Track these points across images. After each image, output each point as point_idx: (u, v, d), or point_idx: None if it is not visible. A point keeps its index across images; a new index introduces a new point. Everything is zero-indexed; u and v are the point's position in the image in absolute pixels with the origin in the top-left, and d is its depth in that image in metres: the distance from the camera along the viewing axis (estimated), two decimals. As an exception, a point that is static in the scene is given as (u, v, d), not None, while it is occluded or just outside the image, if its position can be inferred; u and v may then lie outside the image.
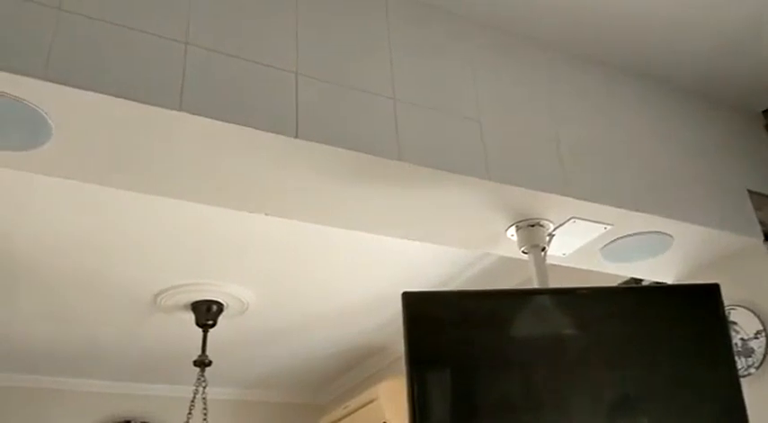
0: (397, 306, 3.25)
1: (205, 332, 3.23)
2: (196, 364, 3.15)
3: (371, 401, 3.50)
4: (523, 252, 1.79)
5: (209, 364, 3.16)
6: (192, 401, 3.12)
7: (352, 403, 3.60)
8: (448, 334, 1.57)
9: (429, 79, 1.64)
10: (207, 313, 3.21)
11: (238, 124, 1.34)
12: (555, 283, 1.74)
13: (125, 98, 1.26)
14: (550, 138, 1.76)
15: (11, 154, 1.37)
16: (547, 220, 1.76)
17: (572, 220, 1.77)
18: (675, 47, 1.92)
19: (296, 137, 1.40)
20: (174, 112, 1.30)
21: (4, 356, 3.45)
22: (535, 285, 1.72)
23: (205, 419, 3.16)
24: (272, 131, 1.38)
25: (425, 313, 1.56)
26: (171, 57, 1.34)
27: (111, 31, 1.30)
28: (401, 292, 3.13)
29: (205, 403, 3.17)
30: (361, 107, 1.51)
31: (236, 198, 1.57)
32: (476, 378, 1.55)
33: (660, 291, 1.82)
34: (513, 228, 1.78)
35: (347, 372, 4.05)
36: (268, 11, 1.50)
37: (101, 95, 1.24)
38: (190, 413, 3.10)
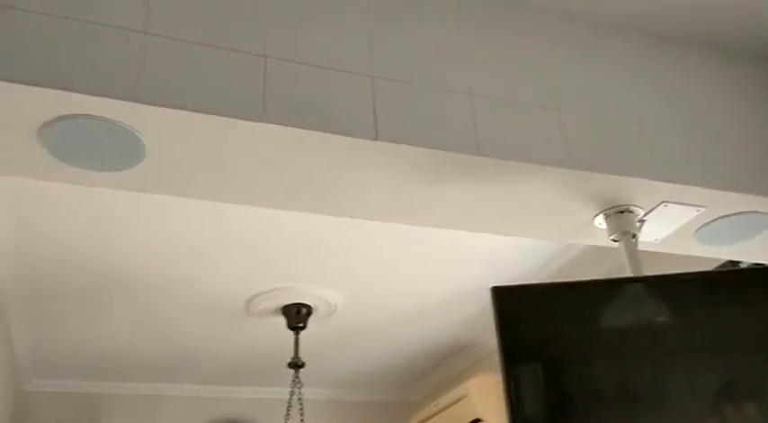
0: (484, 300, 3.28)
1: (296, 334, 3.31)
2: (290, 365, 3.23)
3: (462, 398, 3.49)
4: (613, 240, 1.74)
5: (303, 365, 3.24)
6: (289, 402, 3.21)
7: (443, 400, 3.60)
8: (539, 327, 1.56)
9: (504, 72, 1.63)
10: (297, 316, 3.29)
11: (318, 131, 1.37)
12: (646, 269, 1.69)
13: (210, 113, 1.31)
14: (633, 120, 1.71)
15: (108, 174, 1.45)
16: (636, 205, 1.71)
17: (663, 204, 1.71)
18: (753, 17, 1.83)
19: (375, 139, 1.41)
20: (257, 124, 1.34)
21: (109, 366, 3.65)
22: (628, 273, 1.67)
23: (302, 420, 3.24)
24: (352, 135, 1.40)
25: (516, 307, 1.54)
26: (252, 70, 1.38)
27: (195, 51, 1.36)
28: (487, 286, 3.13)
29: (301, 404, 3.25)
30: (439, 105, 1.51)
31: (320, 203, 1.60)
32: (569, 371, 1.53)
33: (763, 272, 1.74)
34: (601, 216, 1.73)
35: (436, 368, 4.05)
36: (341, 17, 1.52)
37: (188, 113, 1.30)
38: (288, 414, 3.19)
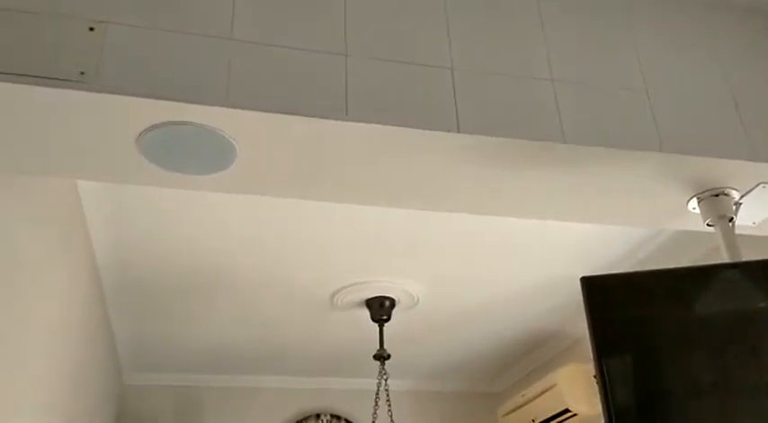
0: (570, 289, 3.22)
1: (381, 327, 3.35)
2: (376, 357, 3.27)
3: (551, 388, 3.45)
4: (708, 225, 1.68)
5: (389, 357, 3.27)
6: (377, 394, 3.25)
7: (530, 390, 3.57)
8: (632, 317, 1.52)
9: (587, 55, 1.59)
10: (380, 309, 3.33)
11: (401, 126, 1.38)
12: (744, 254, 1.62)
13: (298, 115, 1.34)
14: (726, 100, 1.64)
15: (201, 178, 1.51)
16: (732, 188, 1.64)
17: (761, 185, 1.63)
18: None
19: (458, 131, 1.41)
20: (342, 123, 1.36)
21: (206, 359, 3.80)
22: (725, 258, 1.61)
23: (389, 410, 3.28)
24: (435, 129, 1.40)
25: (607, 297, 1.51)
26: (334, 69, 1.41)
27: (278, 54, 1.39)
28: (571, 276, 3.09)
29: (388, 395, 3.29)
30: (521, 94, 1.50)
31: (407, 198, 1.61)
32: (663, 361, 1.49)
33: None
34: (695, 200, 1.67)
35: (522, 358, 4.01)
36: (418, 12, 1.53)
37: (276, 115, 1.33)
38: (376, 404, 3.23)
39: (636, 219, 1.78)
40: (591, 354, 3.40)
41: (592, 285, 1.50)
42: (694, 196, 1.66)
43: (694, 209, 1.70)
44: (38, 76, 1.23)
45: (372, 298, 3.32)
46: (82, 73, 1.26)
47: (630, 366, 1.48)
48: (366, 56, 1.44)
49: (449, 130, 1.41)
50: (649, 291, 1.52)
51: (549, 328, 3.68)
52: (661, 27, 1.69)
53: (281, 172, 1.49)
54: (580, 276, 1.52)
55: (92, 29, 1.30)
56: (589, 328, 1.48)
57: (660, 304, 1.52)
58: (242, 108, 1.32)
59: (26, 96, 1.25)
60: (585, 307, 1.49)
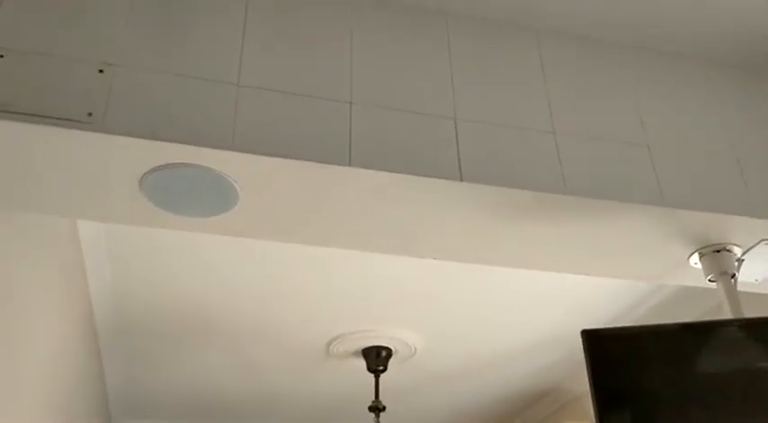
0: (571, 344, 3.19)
1: (377, 378, 3.29)
2: (371, 409, 3.21)
3: (549, 445, 3.37)
4: (710, 280, 1.67)
5: (384, 409, 3.21)
6: (371, 447, 3.18)
7: (529, 447, 3.49)
8: (632, 371, 1.49)
9: (589, 108, 1.61)
10: (377, 359, 3.28)
11: (404, 173, 1.39)
12: (746, 311, 1.61)
13: (301, 159, 1.35)
14: (728, 156, 1.65)
15: (203, 220, 1.50)
16: (734, 244, 1.64)
17: (763, 242, 1.63)
18: None
19: (461, 180, 1.42)
20: (345, 168, 1.37)
21: (197, 406, 3.73)
22: (728, 315, 1.59)
23: (383, 465, 3.20)
24: (438, 177, 1.41)
25: (607, 350, 1.49)
26: (339, 117, 1.42)
27: (285, 100, 1.41)
28: (570, 331, 3.06)
29: (382, 449, 3.21)
30: (523, 145, 1.51)
31: (405, 244, 1.61)
32: (663, 417, 1.46)
33: None
34: (697, 255, 1.67)
35: (521, 414, 3.94)
36: (423, 63, 1.55)
37: (281, 160, 1.34)
38: (369, 458, 3.16)
39: (637, 273, 1.77)
40: (591, 411, 3.34)
41: (593, 338, 1.49)
42: (696, 251, 1.66)
43: (696, 264, 1.69)
44: (46, 117, 1.24)
45: (369, 347, 3.27)
46: (90, 114, 1.27)
47: (629, 421, 1.45)
48: (371, 104, 1.46)
49: (452, 179, 1.41)
50: (652, 345, 1.50)
51: (548, 384, 3.62)
52: (663, 82, 1.71)
53: (283, 216, 1.49)
54: (581, 330, 1.50)
55: (101, 71, 1.32)
56: (590, 380, 1.45)
57: (660, 359, 1.49)
58: (247, 152, 1.32)
59: (33, 136, 1.26)
60: (586, 359, 1.47)
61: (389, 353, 3.29)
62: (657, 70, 1.73)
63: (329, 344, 3.22)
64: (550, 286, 2.75)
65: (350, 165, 1.37)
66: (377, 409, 3.21)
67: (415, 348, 3.26)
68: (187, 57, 1.39)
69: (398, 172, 1.39)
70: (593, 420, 3.53)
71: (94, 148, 1.29)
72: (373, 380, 3.30)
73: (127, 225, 1.49)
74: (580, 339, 3.08)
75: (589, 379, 1.45)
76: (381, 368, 3.28)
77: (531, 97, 1.58)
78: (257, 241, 2.43)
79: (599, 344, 1.48)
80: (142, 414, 3.77)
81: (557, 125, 1.56)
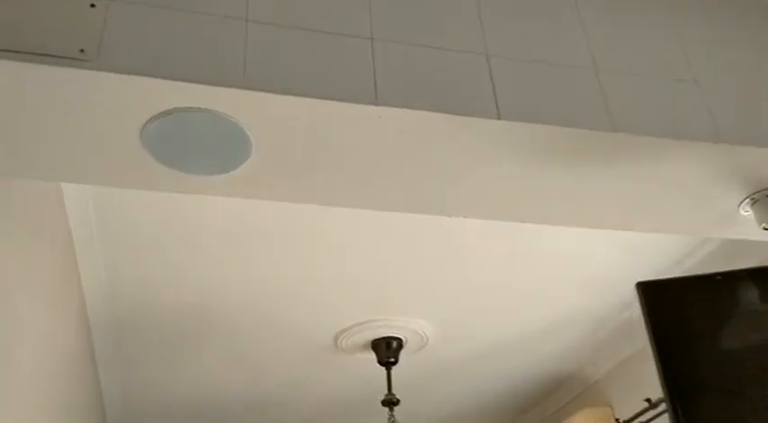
0: (587, 325, 3.04)
1: (388, 370, 3.14)
2: (384, 403, 3.05)
3: (570, 433, 3.24)
4: (765, 228, 1.53)
5: (398, 402, 3.05)
6: (390, 441, 3.02)
7: (549, 437, 3.35)
8: (694, 325, 1.36)
9: (629, 43, 1.48)
10: (387, 350, 3.12)
11: (435, 111, 1.24)
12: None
13: (321, 98, 1.20)
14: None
15: (212, 178, 1.35)
16: (791, 185, 1.51)
17: (823, 182, 1.50)
18: None
19: (498, 118, 1.27)
20: (371, 107, 1.22)
21: (198, 411, 3.54)
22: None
23: (401, 460, 3.04)
24: (473, 115, 1.26)
25: (668, 304, 1.35)
26: (360, 53, 1.27)
27: (300, 36, 1.26)
28: (589, 310, 2.91)
29: (400, 443, 3.05)
30: (563, 81, 1.37)
31: (432, 200, 1.46)
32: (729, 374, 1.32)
33: None
34: (748, 201, 1.53)
35: (537, 403, 3.79)
36: (447, -3, 1.41)
37: (295, 98, 1.19)
38: (389, 452, 3.00)
39: (684, 224, 1.64)
40: (611, 396, 3.20)
41: (649, 291, 1.35)
42: (748, 197, 1.53)
43: (747, 212, 1.56)
44: (32, 53, 1.08)
45: (378, 339, 3.11)
46: (81, 50, 1.11)
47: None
48: (394, 40, 1.31)
49: (488, 117, 1.27)
50: (714, 295, 1.37)
51: (566, 370, 3.48)
52: (713, 20, 1.58)
53: (301, 169, 1.33)
54: (635, 282, 1.36)
55: (93, 5, 1.17)
56: (651, 339, 1.31)
57: (723, 309, 1.36)
58: (260, 90, 1.17)
59: (17, 77, 1.10)
60: (644, 313, 1.33)
61: (400, 343, 3.13)
62: (701, 6, 1.60)
63: (337, 337, 3.06)
64: (566, 265, 2.61)
65: (376, 103, 1.22)
66: (391, 402, 3.05)
67: (427, 338, 3.11)
68: (187, -9, 1.24)
69: (428, 110, 1.24)
70: (613, 407, 3.40)
71: (88, 91, 1.13)
72: (385, 373, 3.14)
73: (126, 188, 1.32)
74: (596, 320, 2.95)
75: (649, 335, 1.31)
76: (392, 360, 3.12)
77: (569, 33, 1.45)
78: (258, 228, 2.30)
79: (657, 296, 1.34)
80: (141, 419, 3.58)
81: (598, 61, 1.42)
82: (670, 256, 2.50)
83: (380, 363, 3.13)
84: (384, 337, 3.10)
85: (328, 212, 2.23)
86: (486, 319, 2.98)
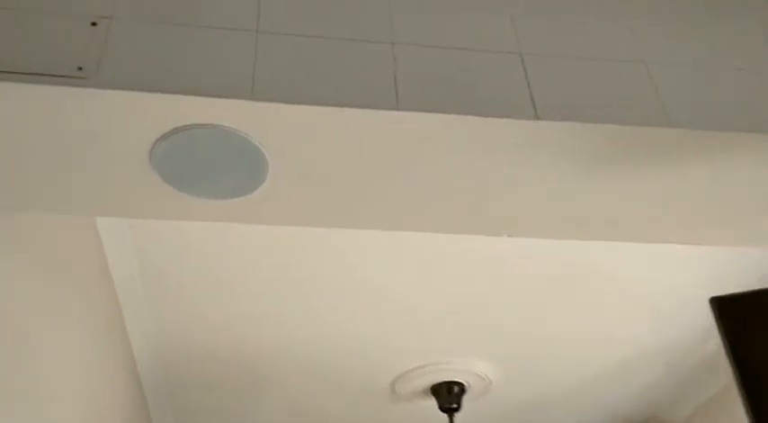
0: (666, 361, 2.77)
1: (451, 418, 2.93)
2: (448, 453, 2.85)
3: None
4: None
5: (462, 451, 2.85)
6: (452, 496, 2.81)
7: (631, 488, 3.05)
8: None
9: (682, 36, 1.33)
10: (449, 396, 2.93)
11: (463, 114, 1.12)
12: None
13: (338, 105, 1.10)
14: None
15: (225, 203, 1.25)
16: None
17: None
18: None
19: (536, 118, 1.14)
20: (393, 113, 1.11)
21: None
22: None
23: None
24: (507, 116, 1.14)
25: (752, 323, 1.16)
26: (379, 57, 1.17)
27: (313, 44, 1.17)
28: (668, 342, 2.66)
29: (465, 497, 2.83)
30: (604, 75, 1.23)
31: (467, 216, 1.32)
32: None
33: None
34: (835, 202, 1.33)
35: (616, 451, 3.49)
36: (474, -4, 1.31)
37: (313, 108, 1.09)
38: None
39: (757, 237, 1.44)
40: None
41: (726, 307, 1.16)
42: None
43: (836, 216, 1.36)
44: (29, 73, 1.03)
45: (439, 384, 2.93)
46: (79, 68, 1.06)
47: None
48: (416, 43, 1.21)
49: (525, 118, 1.14)
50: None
51: (641, 414, 3.19)
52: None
53: (323, 187, 1.23)
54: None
55: (94, 23, 1.12)
56: (730, 361, 1.12)
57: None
58: (271, 100, 1.08)
59: (16, 100, 1.04)
60: (722, 335, 1.14)
61: (462, 388, 2.94)
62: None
63: (394, 383, 2.90)
64: (636, 294, 2.40)
65: (398, 108, 1.11)
66: (455, 452, 2.86)
67: (490, 381, 2.91)
68: (195, 5, 1.18)
69: (457, 112, 1.12)
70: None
71: (89, 111, 1.07)
72: (447, 420, 2.94)
73: (137, 218, 1.25)
74: (673, 353, 2.68)
75: (728, 356, 1.12)
76: (455, 406, 2.93)
77: (604, 23, 1.31)
78: (301, 271, 2.20)
79: (738, 313, 1.15)
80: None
81: (644, 53, 1.28)
82: (755, 272, 2.24)
83: (442, 409, 2.93)
84: (444, 382, 2.92)
85: (381, 250, 2.13)
86: (553, 359, 2.77)
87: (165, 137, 1.13)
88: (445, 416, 2.93)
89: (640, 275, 2.31)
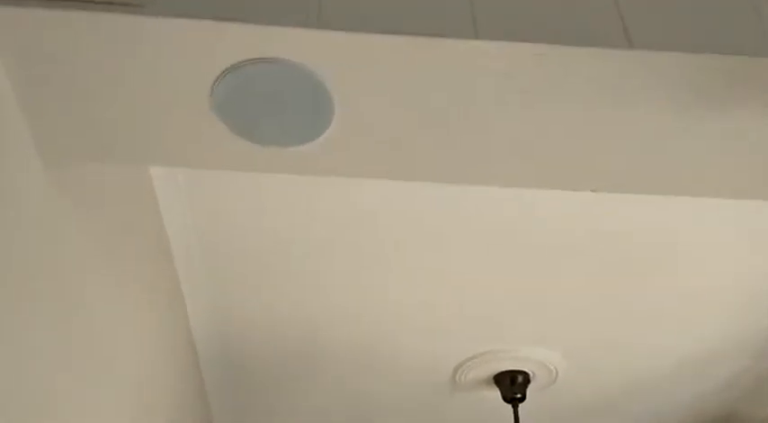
0: (746, 355, 2.59)
1: (515, 408, 2.80)
2: (512, 444, 2.72)
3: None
4: None
5: (528, 443, 2.72)
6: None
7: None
8: None
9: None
10: (512, 385, 2.81)
11: (551, 43, 1.02)
12: None
13: (406, 34, 1.00)
14: None
15: (291, 150, 1.17)
16: None
17: None
18: None
19: (630, 48, 1.03)
20: (471, 42, 1.01)
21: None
22: None
23: None
24: (596, 45, 1.02)
25: None
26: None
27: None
28: (755, 331, 2.48)
29: (533, 491, 2.70)
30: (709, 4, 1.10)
31: (550, 168, 1.21)
32: None
33: None
34: None
35: (692, 449, 3.29)
36: None
37: (384, 37, 1.00)
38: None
39: None
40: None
41: None
42: None
43: None
44: (80, 0, 0.97)
45: (502, 373, 2.80)
46: (138, -4, 0.99)
47: None
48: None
49: (616, 47, 1.02)
50: None
51: (725, 408, 2.99)
52: None
53: (395, 130, 1.13)
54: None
55: (151, -47, 1.05)
56: None
57: None
58: (338, 29, 1.00)
59: (66, 31, 0.99)
60: None
61: (527, 378, 2.81)
62: None
63: (456, 371, 2.79)
64: (717, 277, 2.23)
65: (476, 37, 1.01)
66: (520, 444, 2.73)
67: (557, 371, 2.77)
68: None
69: (543, 41, 1.01)
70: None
71: (149, 43, 1.01)
72: (511, 411, 2.81)
73: (192, 167, 1.18)
74: (760, 346, 2.49)
75: None
76: (519, 396, 2.79)
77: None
78: (370, 247, 2.11)
79: None
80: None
81: (748, -21, 1.14)
82: None
83: (505, 399, 2.81)
84: (509, 371, 2.79)
85: (447, 226, 2.03)
86: (625, 348, 2.61)
87: (224, 74, 1.05)
88: (509, 406, 2.81)
89: (726, 261, 2.15)
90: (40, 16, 0.95)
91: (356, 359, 2.67)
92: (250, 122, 1.13)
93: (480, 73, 1.05)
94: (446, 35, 1.00)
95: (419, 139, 1.13)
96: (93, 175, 1.31)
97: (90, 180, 1.31)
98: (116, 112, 1.09)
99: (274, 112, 1.12)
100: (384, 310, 2.40)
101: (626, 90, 1.06)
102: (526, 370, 2.78)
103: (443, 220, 2.00)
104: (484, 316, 2.46)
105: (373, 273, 2.22)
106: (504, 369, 2.77)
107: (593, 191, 1.26)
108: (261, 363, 2.69)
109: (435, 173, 1.19)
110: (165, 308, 2.08)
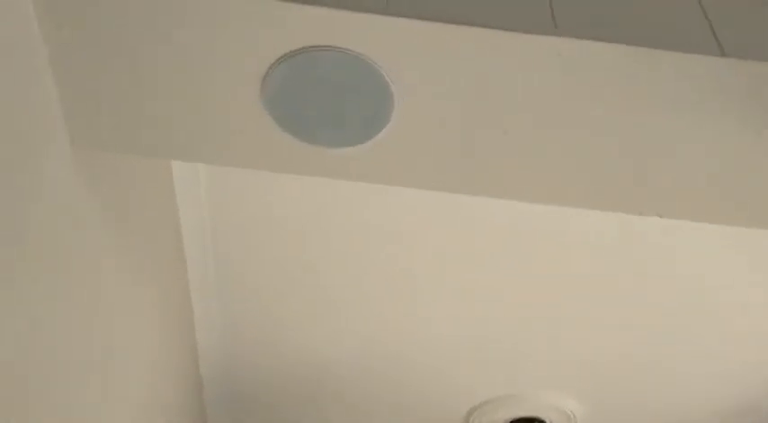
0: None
1: (531, 459, 2.68)
2: (527, 499, 2.58)
3: None
4: None
5: (545, 498, 2.57)
6: None
7: None
8: None
9: None
10: (528, 433, 2.68)
11: (638, 46, 0.94)
12: None
13: (478, 26, 0.92)
14: None
15: (345, 151, 1.08)
16: None
17: None
18: None
19: (722, 55, 0.95)
20: (552, 38, 0.93)
21: None
22: None
23: None
24: (684, 50, 0.94)
25: None
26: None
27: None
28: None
29: None
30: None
31: (626, 187, 1.11)
32: None
33: None
34: None
35: None
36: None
37: (454, 27, 0.92)
38: None
39: None
40: None
41: None
42: None
43: None
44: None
45: (518, 419, 2.69)
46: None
47: None
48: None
49: (707, 53, 0.94)
50: None
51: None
52: None
53: (453, 137, 1.04)
54: None
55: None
56: None
57: None
58: (403, 16, 0.92)
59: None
60: None
61: (543, 426, 2.69)
62: None
63: (469, 415, 2.67)
64: (759, 320, 2.13)
65: (556, 33, 0.93)
66: (535, 499, 2.59)
67: (575, 418, 2.65)
68: None
69: (627, 43, 0.93)
70: None
71: (193, 24, 0.92)
72: (526, 462, 2.68)
73: (229, 164, 1.08)
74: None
75: None
76: (536, 445, 2.67)
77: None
78: (390, 282, 2.02)
79: None
80: None
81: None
82: None
83: (520, 449, 2.68)
84: (524, 418, 2.68)
85: (466, 255, 1.94)
86: (654, 397, 2.50)
87: (279, 61, 0.97)
88: (525, 455, 2.68)
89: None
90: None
91: (367, 391, 2.56)
92: (299, 117, 1.04)
93: (560, 73, 0.96)
94: (526, 30, 0.92)
95: (484, 147, 1.04)
96: (115, 163, 1.22)
97: (113, 170, 1.22)
98: (154, 92, 1.01)
99: (327, 108, 1.03)
100: (405, 347, 2.30)
101: (714, 101, 0.98)
102: (542, 417, 2.67)
103: (462, 247, 1.91)
104: (501, 359, 2.36)
105: (395, 305, 2.13)
106: (518, 416, 2.66)
107: (659, 216, 1.16)
108: (265, 391, 2.58)
109: (497, 187, 1.09)
110: (173, 320, 1.97)
